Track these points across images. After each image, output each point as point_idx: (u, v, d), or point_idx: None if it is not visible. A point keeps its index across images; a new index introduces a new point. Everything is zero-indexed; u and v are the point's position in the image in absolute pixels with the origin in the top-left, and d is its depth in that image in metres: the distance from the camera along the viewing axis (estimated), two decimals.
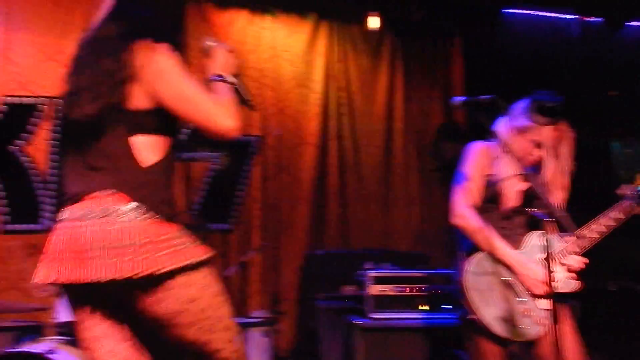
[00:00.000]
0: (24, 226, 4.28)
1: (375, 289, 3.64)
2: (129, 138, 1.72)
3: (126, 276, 1.61)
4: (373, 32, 5.07)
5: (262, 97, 4.85)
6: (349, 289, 3.94)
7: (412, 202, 5.12)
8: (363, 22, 5.03)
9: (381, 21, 4.98)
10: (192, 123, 1.79)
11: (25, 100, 4.41)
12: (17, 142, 4.32)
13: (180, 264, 1.67)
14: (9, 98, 4.39)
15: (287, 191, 4.84)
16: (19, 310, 3.34)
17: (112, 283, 1.61)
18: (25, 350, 2.74)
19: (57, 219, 1.79)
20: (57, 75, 4.53)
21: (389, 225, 5.04)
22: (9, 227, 4.27)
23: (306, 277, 4.50)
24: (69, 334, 2.93)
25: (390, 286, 3.66)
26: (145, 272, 1.61)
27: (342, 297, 3.94)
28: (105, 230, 1.65)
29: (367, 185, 5.06)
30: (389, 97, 5.19)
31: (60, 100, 1.86)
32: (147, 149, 1.74)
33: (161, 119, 1.75)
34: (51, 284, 1.73)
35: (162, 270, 1.64)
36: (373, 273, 3.69)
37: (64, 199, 1.79)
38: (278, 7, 4.98)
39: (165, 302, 1.68)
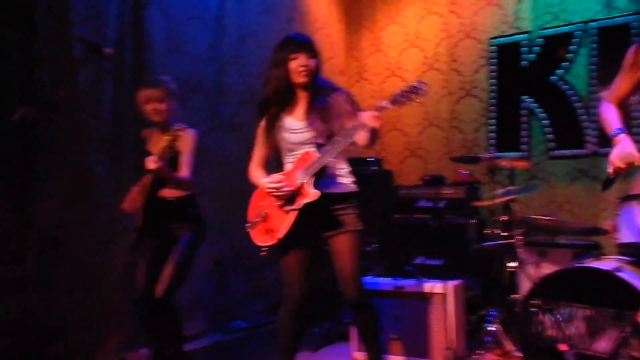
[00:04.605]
0: (568, 151, 4.46)
1: None
2: None
3: None
4: None
5: None
6: None
7: None
8: None
9: None
10: None
11: (560, 29, 4.53)
12: (557, 71, 4.50)
13: None
14: (543, 31, 4.58)
15: None
16: (575, 231, 3.51)
17: None
18: (592, 266, 2.81)
19: None
20: None
21: None
22: (555, 153, 4.52)
23: None
24: (631, 254, 2.90)
25: None
26: None
27: None
28: None
29: None
30: None
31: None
32: None
33: None
34: None
35: None
36: None
37: None
38: None
39: None
